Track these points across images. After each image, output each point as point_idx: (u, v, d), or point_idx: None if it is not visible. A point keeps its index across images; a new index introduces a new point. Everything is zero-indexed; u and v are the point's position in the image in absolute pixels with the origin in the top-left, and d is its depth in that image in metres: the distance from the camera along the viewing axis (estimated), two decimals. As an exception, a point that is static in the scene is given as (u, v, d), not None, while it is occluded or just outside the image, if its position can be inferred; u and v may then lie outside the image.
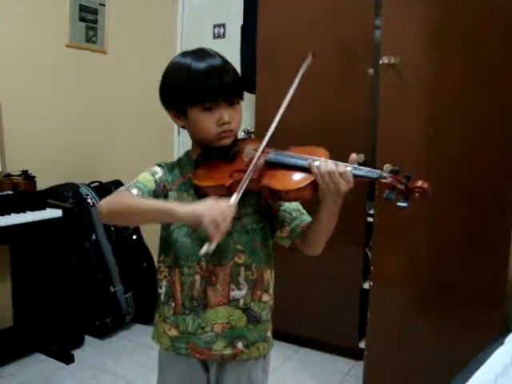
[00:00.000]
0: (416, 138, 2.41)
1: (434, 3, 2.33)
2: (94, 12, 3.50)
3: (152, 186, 1.35)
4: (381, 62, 2.39)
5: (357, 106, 2.90)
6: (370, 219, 2.82)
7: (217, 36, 4.04)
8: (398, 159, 2.38)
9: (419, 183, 1.21)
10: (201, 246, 1.25)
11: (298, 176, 1.26)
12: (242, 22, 3.55)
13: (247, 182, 1.26)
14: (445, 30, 2.31)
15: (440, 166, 2.36)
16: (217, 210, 1.15)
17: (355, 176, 1.22)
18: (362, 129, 2.89)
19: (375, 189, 2.56)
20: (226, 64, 1.35)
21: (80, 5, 3.38)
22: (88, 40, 3.48)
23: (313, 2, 3.00)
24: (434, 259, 2.42)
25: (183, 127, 1.41)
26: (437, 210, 2.33)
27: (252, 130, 3.19)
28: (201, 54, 1.35)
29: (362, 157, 2.84)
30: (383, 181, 1.21)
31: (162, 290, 1.44)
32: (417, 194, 1.20)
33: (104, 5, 3.55)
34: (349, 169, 1.21)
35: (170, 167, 1.43)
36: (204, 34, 4.05)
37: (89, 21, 3.47)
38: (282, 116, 1.34)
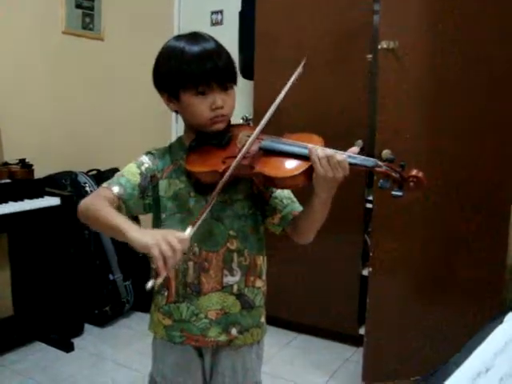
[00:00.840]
0: (415, 123, 2.40)
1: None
2: (91, -1, 3.47)
3: (136, 179, 1.34)
4: (379, 46, 2.37)
5: (355, 91, 2.89)
6: (369, 205, 2.82)
7: (214, 23, 4.02)
8: (397, 145, 2.38)
9: (414, 172, 1.20)
10: (194, 232, 1.24)
11: (292, 163, 1.25)
12: (239, 9, 3.53)
13: (236, 166, 1.24)
14: (444, 14, 2.29)
15: (440, 152, 2.36)
16: (166, 243, 1.09)
17: (350, 164, 1.20)
18: (361, 115, 2.89)
19: (374, 175, 2.56)
20: (219, 48, 1.33)
21: (76, -9, 3.35)
22: (85, 27, 3.46)
23: (311, -13, 2.97)
24: (433, 245, 2.42)
25: (176, 111, 1.40)
26: (436, 195, 2.32)
27: (250, 117, 3.18)
28: (195, 37, 1.34)
29: (360, 143, 2.85)
30: (378, 169, 1.20)
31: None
32: (411, 183, 1.19)
33: (100, -9, 3.52)
34: (344, 156, 1.20)
35: (160, 154, 1.42)
36: (201, 20, 4.02)
37: (85, 7, 3.44)
38: (278, 106, 1.32)
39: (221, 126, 1.35)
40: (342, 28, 2.89)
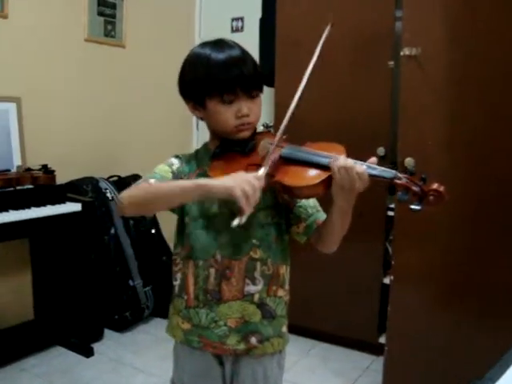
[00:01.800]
0: (438, 131, 2.37)
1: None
2: (113, 6, 3.50)
3: (169, 176, 1.33)
4: (402, 53, 2.35)
5: (377, 98, 2.87)
6: (391, 213, 2.79)
7: (235, 29, 4.03)
8: (420, 152, 2.35)
9: (435, 186, 1.16)
10: (216, 240, 1.27)
11: (311, 172, 1.23)
12: (260, 16, 3.53)
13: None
14: (467, 20, 2.27)
15: (463, 160, 2.33)
16: (246, 182, 1.14)
17: (370, 175, 1.18)
18: (382, 122, 2.86)
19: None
20: (245, 55, 1.33)
21: (98, -1, 3.39)
22: (106, 34, 3.49)
23: (332, -7, 2.96)
24: (456, 253, 2.38)
25: (201, 119, 1.40)
26: (460, 203, 2.29)
27: (271, 124, 3.17)
28: (220, 44, 1.33)
29: (381, 150, 2.83)
30: (397, 181, 1.17)
31: (177, 283, 1.43)
32: (431, 198, 1.16)
33: (122, -1, 3.55)
34: (364, 167, 1.18)
35: (187, 159, 1.42)
36: (222, 27, 4.03)
37: (107, 15, 3.47)
38: (298, 104, 1.30)
39: (246, 133, 1.34)
40: (363, 35, 2.87)
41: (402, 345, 2.51)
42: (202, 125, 1.41)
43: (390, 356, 2.55)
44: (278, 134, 1.29)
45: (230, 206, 1.30)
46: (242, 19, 3.99)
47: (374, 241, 2.97)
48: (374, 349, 3.04)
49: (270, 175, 1.26)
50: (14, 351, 2.87)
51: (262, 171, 1.20)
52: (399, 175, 1.17)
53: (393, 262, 2.50)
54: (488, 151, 2.27)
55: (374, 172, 1.19)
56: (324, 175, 1.21)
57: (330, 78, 2.95)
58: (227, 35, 3.89)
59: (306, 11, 3.03)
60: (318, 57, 1.34)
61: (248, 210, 1.14)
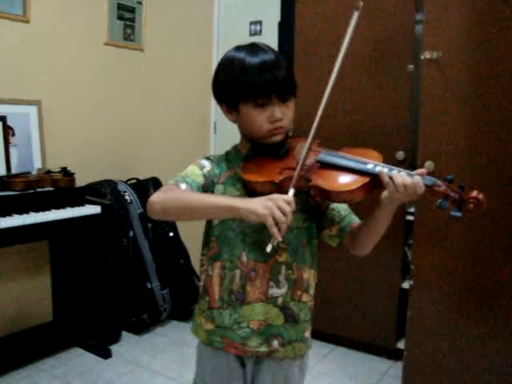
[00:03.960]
0: (458, 135, 2.35)
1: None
2: (132, 10, 3.52)
3: (201, 180, 1.34)
4: (422, 57, 2.34)
5: (396, 102, 2.86)
6: (410, 217, 2.78)
7: (253, 33, 4.03)
8: (440, 157, 2.34)
9: (474, 193, 1.18)
10: (243, 241, 1.30)
11: (349, 177, 1.24)
12: (278, 19, 3.53)
13: (297, 177, 1.24)
14: (488, 23, 2.25)
15: (483, 165, 2.30)
16: (278, 209, 1.13)
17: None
18: (402, 126, 2.85)
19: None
20: (279, 59, 1.33)
21: (118, 3, 3.41)
22: (126, 38, 3.51)
23: (351, -3, 2.95)
24: (477, 258, 2.36)
25: (234, 121, 1.41)
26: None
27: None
28: (254, 48, 1.34)
29: (401, 154, 2.81)
30: (437, 189, 1.18)
31: (201, 283, 1.44)
32: (471, 205, 1.18)
33: (141, 3, 3.57)
34: (421, 182, 1.18)
35: (217, 160, 1.42)
36: (240, 30, 4.04)
37: (126, 19, 3.50)
38: (327, 104, 1.30)
39: (279, 138, 1.35)
40: (383, 38, 2.86)
41: (420, 350, 2.50)
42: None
43: (408, 361, 2.53)
44: (309, 137, 1.29)
45: None
46: (260, 23, 3.99)
47: (393, 245, 2.95)
48: (392, 354, 3.03)
49: (306, 179, 1.26)
50: (33, 352, 2.90)
51: (291, 193, 1.20)
52: (439, 182, 1.19)
53: (412, 267, 2.49)
54: (509, 156, 2.25)
55: (425, 182, 1.20)
56: (363, 180, 1.21)
57: (350, 82, 2.94)
58: (245, 39, 3.91)
59: (325, 15, 3.03)
60: (347, 50, 1.35)
61: (279, 237, 1.15)
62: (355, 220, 1.42)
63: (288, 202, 1.16)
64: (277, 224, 1.13)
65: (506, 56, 2.22)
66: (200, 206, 1.24)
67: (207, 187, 1.35)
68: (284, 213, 1.13)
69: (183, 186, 1.30)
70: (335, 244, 1.44)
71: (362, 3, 1.31)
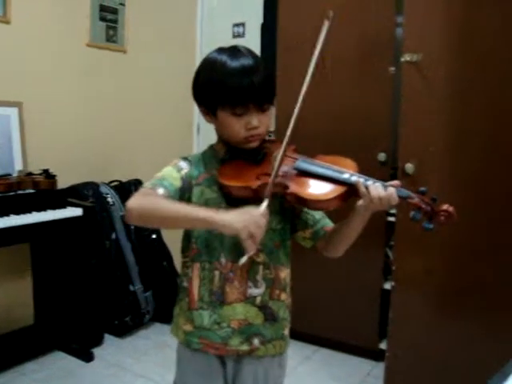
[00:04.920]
0: (439, 137, 2.37)
1: (457, -1, 2.30)
2: (114, 12, 3.51)
3: (178, 184, 1.34)
4: (402, 59, 2.36)
5: (378, 104, 2.88)
6: (391, 219, 2.79)
7: (236, 35, 4.03)
8: (421, 158, 2.36)
9: (445, 207, 1.23)
10: (221, 243, 1.32)
11: (327, 187, 1.26)
12: (261, 21, 3.54)
13: (272, 186, 1.25)
14: (469, 26, 2.27)
15: (464, 165, 2.33)
16: (253, 223, 1.16)
17: None
18: (383, 127, 2.87)
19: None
20: (258, 64, 1.33)
21: (100, 5, 3.40)
22: (108, 39, 3.50)
23: (333, 0, 2.96)
24: (457, 259, 2.38)
25: (210, 123, 1.41)
26: (460, 209, 2.29)
27: (272, 130, 3.17)
28: (235, 52, 1.34)
29: (382, 156, 2.83)
30: (410, 201, 1.23)
31: (182, 285, 1.45)
32: (442, 218, 1.22)
33: (124, 4, 3.56)
34: (395, 194, 1.22)
35: (195, 161, 1.42)
36: (223, 33, 4.04)
37: (109, 20, 3.49)
38: (300, 112, 1.30)
39: (254, 144, 1.36)
40: (364, 41, 2.88)
41: (402, 351, 2.51)
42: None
43: (390, 362, 2.54)
44: (284, 144, 1.29)
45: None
46: (243, 25, 4.00)
47: (375, 246, 2.97)
48: (375, 355, 3.04)
49: (283, 186, 1.27)
50: (14, 356, 2.87)
51: (264, 205, 1.22)
52: (412, 195, 1.23)
53: (393, 268, 2.50)
54: (489, 156, 2.28)
55: (399, 194, 1.23)
56: (340, 190, 1.24)
57: (331, 84, 2.96)
58: (228, 41, 3.92)
59: (307, 17, 3.03)
60: (319, 58, 1.37)
61: (252, 251, 1.18)
62: (329, 224, 1.44)
63: (263, 215, 1.19)
64: (251, 237, 1.16)
65: (485, 58, 2.25)
66: (176, 217, 1.25)
67: (184, 190, 1.35)
68: (258, 226, 1.17)
69: (161, 190, 1.29)
70: (309, 246, 1.46)
71: (332, 13, 1.34)
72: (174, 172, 1.36)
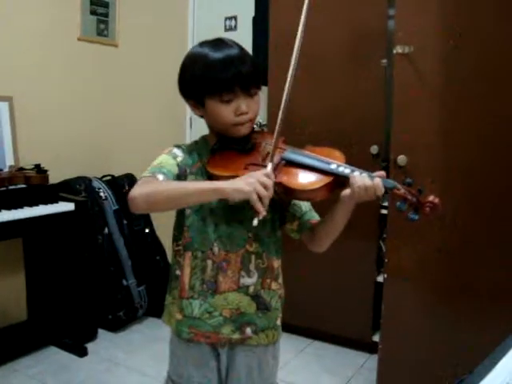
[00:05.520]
0: (431, 128, 2.37)
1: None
2: (105, 5, 3.49)
3: (175, 170, 1.34)
4: (394, 51, 2.35)
5: (370, 96, 2.87)
6: (384, 211, 2.80)
7: (228, 28, 4.02)
8: (413, 151, 2.36)
9: (430, 198, 1.23)
10: (214, 232, 1.34)
11: (313, 176, 1.27)
12: (253, 15, 3.53)
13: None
14: (460, 17, 2.27)
15: (455, 157, 2.33)
16: (260, 184, 1.17)
17: None
18: (376, 120, 2.86)
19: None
20: (243, 54, 1.34)
21: (91, -2, 3.38)
22: (99, 33, 3.48)
23: (325, -8, 2.96)
24: (449, 252, 2.39)
25: (201, 116, 1.41)
26: (452, 202, 2.30)
27: (264, 123, 3.17)
28: (218, 44, 1.34)
29: (375, 148, 2.83)
30: (396, 192, 1.24)
31: (175, 273, 1.45)
32: (427, 209, 1.23)
33: (115, -2, 3.54)
34: (380, 184, 1.23)
35: (188, 150, 1.42)
36: (215, 26, 4.02)
37: (100, 14, 3.46)
38: (288, 103, 1.31)
39: (244, 130, 1.36)
40: (356, 33, 2.88)
41: (395, 343, 2.52)
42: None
43: (383, 354, 2.55)
44: (275, 135, 1.30)
45: (228, 200, 1.32)
46: (235, 18, 3.98)
47: (368, 239, 2.98)
48: (368, 347, 3.05)
49: None
50: (7, 352, 2.86)
51: (269, 167, 1.24)
52: (398, 186, 1.24)
53: (386, 260, 2.51)
54: (481, 150, 2.28)
55: (384, 184, 1.24)
56: (327, 180, 1.25)
57: (323, 77, 2.95)
58: (220, 34, 3.90)
59: (299, 10, 3.02)
60: (301, 42, 1.41)
61: (263, 211, 1.18)
62: (315, 217, 1.45)
63: (268, 176, 1.20)
64: (260, 199, 1.16)
65: (478, 49, 2.25)
66: (185, 194, 1.24)
67: (180, 177, 1.35)
68: (266, 187, 1.17)
69: (160, 176, 1.30)
70: (296, 238, 1.47)
71: None
72: (170, 159, 1.37)
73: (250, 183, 1.17)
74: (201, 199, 1.29)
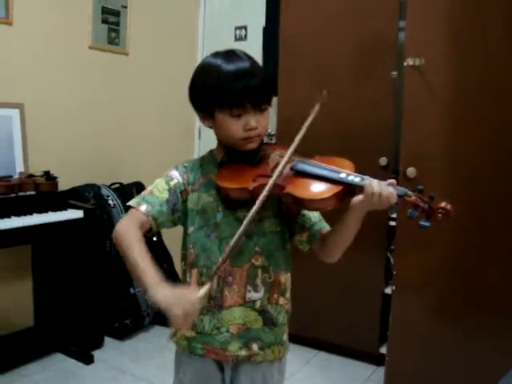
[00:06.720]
0: (441, 141, 2.37)
1: (459, 3, 2.30)
2: (117, 14, 3.52)
3: (164, 196, 1.35)
4: (405, 63, 2.36)
5: (380, 108, 2.87)
6: (392, 223, 2.79)
7: (238, 38, 4.04)
8: (422, 163, 2.36)
9: (443, 204, 1.22)
10: (219, 247, 1.33)
11: (323, 186, 1.26)
12: (263, 25, 3.55)
13: (269, 189, 1.25)
14: (470, 31, 2.28)
15: (464, 169, 2.33)
16: (181, 307, 1.13)
17: None
18: (385, 132, 2.86)
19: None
20: (254, 67, 1.33)
21: (103, 7, 3.41)
22: (110, 42, 3.50)
23: (336, 4, 2.97)
24: (458, 264, 2.38)
25: (210, 127, 1.41)
26: (461, 212, 2.28)
27: (273, 133, 3.18)
28: (231, 55, 1.34)
29: (384, 160, 2.83)
30: (407, 199, 1.22)
31: None
32: (440, 215, 1.21)
33: (126, 7, 3.57)
34: (394, 192, 1.22)
35: (192, 166, 1.42)
36: (226, 35, 4.05)
37: (111, 23, 3.49)
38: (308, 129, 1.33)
39: (253, 145, 1.36)
40: (367, 45, 2.88)
41: (402, 355, 2.51)
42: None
43: (390, 366, 2.54)
44: (290, 149, 1.30)
45: (233, 215, 1.34)
46: (245, 28, 4.00)
47: (376, 250, 2.97)
48: (375, 359, 3.03)
49: (280, 187, 1.28)
50: (14, 358, 2.86)
51: (202, 291, 1.20)
52: (409, 193, 1.23)
53: (394, 272, 2.50)
54: (490, 163, 2.28)
55: (396, 192, 1.23)
56: (336, 189, 1.23)
57: (334, 88, 2.95)
58: (230, 43, 3.92)
59: (310, 20, 3.04)
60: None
61: (180, 330, 1.22)
62: (325, 227, 1.43)
63: (193, 304, 1.15)
64: (183, 318, 1.13)
65: (488, 62, 2.25)
66: (131, 266, 1.26)
67: (174, 201, 1.36)
68: (188, 312, 1.14)
69: (143, 207, 1.32)
70: (306, 249, 1.45)
71: (326, 92, 1.42)
72: (163, 183, 1.37)
73: (171, 304, 1.13)
74: (136, 280, 1.29)
